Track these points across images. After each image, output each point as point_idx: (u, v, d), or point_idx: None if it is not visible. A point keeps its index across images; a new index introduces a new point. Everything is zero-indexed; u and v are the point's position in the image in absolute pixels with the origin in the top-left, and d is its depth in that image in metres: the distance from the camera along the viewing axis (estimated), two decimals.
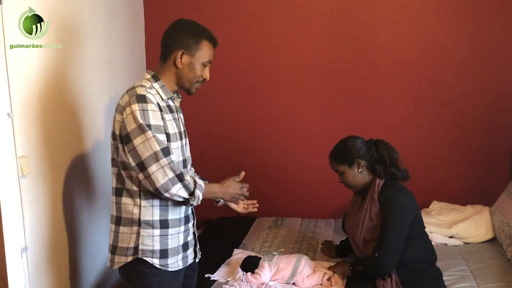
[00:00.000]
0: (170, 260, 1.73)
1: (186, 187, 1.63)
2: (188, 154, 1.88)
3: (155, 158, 1.59)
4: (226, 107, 3.22)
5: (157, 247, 1.70)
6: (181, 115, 1.90)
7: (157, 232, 1.70)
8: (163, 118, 1.67)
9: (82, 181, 2.33)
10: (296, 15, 3.03)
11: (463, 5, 2.85)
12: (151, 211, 1.69)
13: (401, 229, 1.98)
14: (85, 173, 2.36)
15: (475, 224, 2.56)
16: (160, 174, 1.59)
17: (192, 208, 1.87)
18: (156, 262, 1.70)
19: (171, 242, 1.73)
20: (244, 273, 2.24)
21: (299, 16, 3.02)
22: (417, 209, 2.10)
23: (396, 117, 3.02)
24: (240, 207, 2.01)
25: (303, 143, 3.16)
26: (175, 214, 1.74)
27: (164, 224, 1.71)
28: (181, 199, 1.65)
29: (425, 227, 2.14)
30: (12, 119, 1.79)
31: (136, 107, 1.61)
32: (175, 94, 1.83)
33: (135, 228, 1.70)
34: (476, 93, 2.92)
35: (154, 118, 1.62)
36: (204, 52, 1.75)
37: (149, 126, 1.60)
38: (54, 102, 2.09)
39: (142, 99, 1.62)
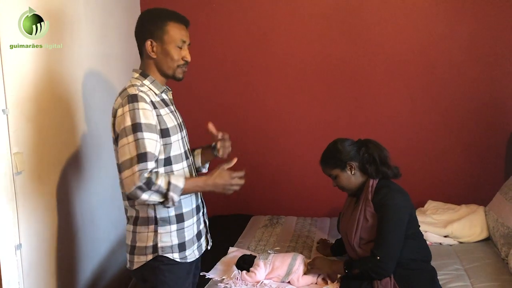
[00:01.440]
0: (188, 252, 1.75)
1: (157, 191, 1.58)
2: (188, 146, 1.86)
3: (130, 163, 1.57)
4: (221, 104, 3.21)
5: (175, 241, 1.71)
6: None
7: (174, 227, 1.71)
8: (159, 115, 1.66)
9: (77, 178, 2.32)
10: (294, 12, 3.02)
11: (462, 3, 2.85)
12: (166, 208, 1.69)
13: (399, 229, 1.98)
14: (80, 170, 2.34)
15: (470, 223, 2.57)
16: (129, 181, 1.56)
17: (201, 197, 1.87)
18: (176, 256, 1.71)
19: (187, 234, 1.75)
20: (239, 271, 2.24)
21: (297, 12, 3.02)
22: (412, 208, 2.10)
23: (391, 116, 3.03)
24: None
25: (299, 141, 3.16)
26: (188, 206, 1.75)
27: (180, 218, 1.72)
28: (156, 203, 1.64)
29: (419, 226, 2.14)
30: (7, 115, 1.77)
31: (127, 108, 1.60)
32: (165, 87, 1.82)
33: (151, 226, 1.70)
34: (472, 92, 2.92)
35: (145, 117, 1.60)
36: (173, 33, 1.70)
37: (139, 125, 1.58)
38: (49, 98, 2.07)
39: (134, 98, 1.61)
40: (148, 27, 1.72)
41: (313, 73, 3.07)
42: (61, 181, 2.16)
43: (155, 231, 1.69)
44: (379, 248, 1.97)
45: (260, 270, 2.20)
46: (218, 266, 2.36)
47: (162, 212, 1.69)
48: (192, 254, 1.78)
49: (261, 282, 2.17)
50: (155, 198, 1.59)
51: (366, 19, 2.95)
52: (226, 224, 2.99)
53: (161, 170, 1.67)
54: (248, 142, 3.21)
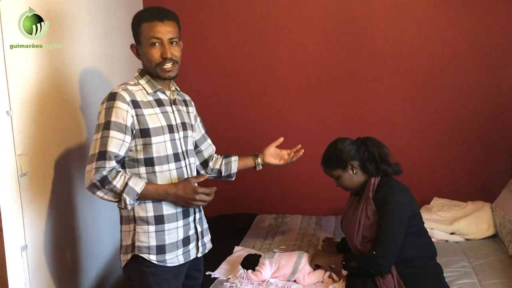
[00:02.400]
0: (168, 256, 1.72)
1: (111, 191, 1.60)
2: (188, 147, 1.82)
3: (91, 159, 1.61)
4: (226, 102, 3.21)
5: (153, 243, 1.69)
6: (188, 108, 1.89)
7: (152, 228, 1.69)
8: (140, 115, 1.65)
9: (81, 179, 2.29)
10: (295, 9, 3.01)
11: (462, 0, 2.83)
12: (144, 207, 1.69)
13: (398, 227, 1.97)
14: (83, 170, 2.32)
15: (476, 220, 2.55)
16: (87, 177, 1.62)
17: None
18: (153, 258, 1.69)
19: (168, 237, 1.72)
20: (245, 270, 2.23)
21: (298, 9, 3.01)
22: (415, 205, 2.08)
23: (395, 113, 3.01)
24: (278, 159, 2.13)
25: (303, 139, 3.13)
26: (171, 209, 1.72)
27: (159, 219, 1.70)
28: (111, 202, 1.65)
29: (424, 223, 2.13)
30: (11, 117, 1.77)
31: (104, 105, 1.65)
32: (173, 87, 1.82)
33: (131, 225, 1.70)
34: (476, 88, 2.90)
35: (116, 115, 1.61)
36: (144, 33, 1.68)
37: (109, 123, 1.61)
38: (53, 99, 2.07)
39: (112, 97, 1.64)
40: (132, 32, 1.75)
41: (317, 72, 3.06)
42: (66, 183, 2.16)
43: (134, 230, 1.70)
44: (376, 244, 1.97)
45: (266, 269, 2.19)
46: (224, 265, 2.36)
47: (140, 212, 1.69)
48: (175, 259, 1.73)
49: (267, 281, 2.16)
50: (109, 197, 1.62)
51: (367, 15, 2.93)
52: (231, 223, 2.99)
53: (142, 170, 1.69)
54: (251, 140, 3.20)
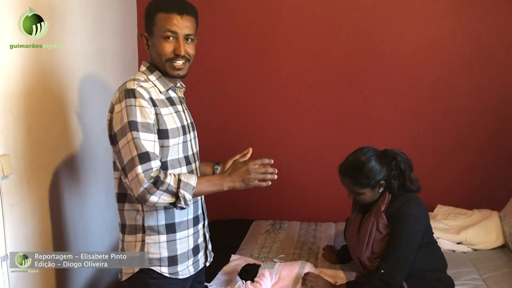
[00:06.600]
0: (180, 267, 1.60)
1: (166, 191, 1.44)
2: (196, 149, 1.70)
3: (132, 165, 1.42)
4: (222, 106, 3.10)
5: (164, 254, 1.57)
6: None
7: (163, 238, 1.56)
8: (158, 114, 1.51)
9: (69, 182, 2.18)
10: (296, 11, 2.91)
11: (469, 2, 2.76)
12: (155, 215, 1.55)
13: (411, 242, 1.87)
14: (73, 173, 2.21)
15: (485, 229, 2.46)
16: (134, 184, 1.42)
17: (202, 208, 1.72)
18: (165, 270, 1.57)
19: (180, 247, 1.60)
20: (244, 281, 2.11)
21: (303, 8, 2.90)
22: (428, 218, 1.99)
23: (399, 116, 2.93)
24: None
25: (301, 144, 3.05)
26: (182, 216, 1.60)
27: (170, 228, 1.57)
28: (167, 205, 1.48)
29: (433, 233, 2.03)
30: None
31: (123, 104, 1.46)
32: (179, 84, 1.68)
33: (139, 235, 1.56)
34: (481, 94, 2.83)
35: (142, 115, 1.46)
36: (159, 25, 1.52)
37: (135, 123, 1.44)
38: (39, 96, 1.93)
39: (131, 94, 1.47)
40: (144, 20, 1.58)
41: (317, 77, 2.96)
42: (52, 186, 2.02)
43: (142, 241, 1.56)
44: (385, 260, 1.87)
45: (266, 281, 2.08)
46: (220, 275, 2.24)
47: (151, 221, 1.55)
48: (186, 270, 1.63)
49: None
50: (165, 199, 1.44)
51: (372, 19, 2.84)
52: (226, 230, 2.86)
53: None
54: (249, 144, 3.07)
